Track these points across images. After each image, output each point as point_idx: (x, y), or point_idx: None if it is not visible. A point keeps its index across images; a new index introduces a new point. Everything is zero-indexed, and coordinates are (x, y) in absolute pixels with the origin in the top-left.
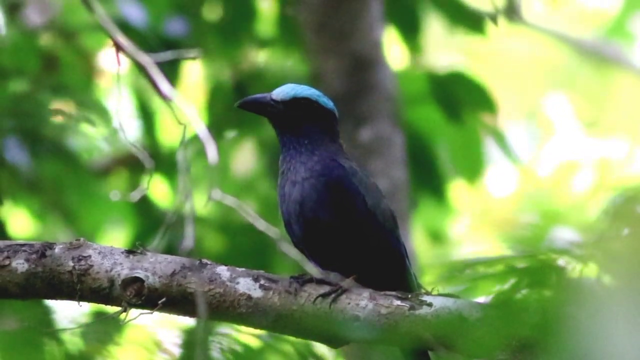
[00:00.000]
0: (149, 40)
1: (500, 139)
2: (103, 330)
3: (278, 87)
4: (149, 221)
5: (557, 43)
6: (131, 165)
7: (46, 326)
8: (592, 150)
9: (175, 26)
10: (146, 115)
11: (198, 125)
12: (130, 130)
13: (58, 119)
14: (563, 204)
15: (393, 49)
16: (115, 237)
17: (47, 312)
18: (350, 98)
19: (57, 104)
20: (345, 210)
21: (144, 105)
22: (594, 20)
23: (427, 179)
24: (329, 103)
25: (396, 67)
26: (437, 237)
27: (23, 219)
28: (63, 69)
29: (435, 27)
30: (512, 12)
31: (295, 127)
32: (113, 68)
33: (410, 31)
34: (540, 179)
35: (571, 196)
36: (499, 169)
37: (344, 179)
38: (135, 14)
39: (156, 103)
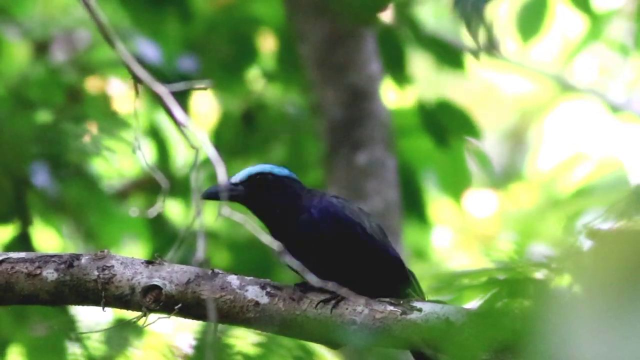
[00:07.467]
0: (163, 74)
1: (483, 160)
2: (124, 335)
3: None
4: (162, 238)
5: (535, 76)
6: (147, 189)
7: (71, 331)
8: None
9: (186, 63)
10: (160, 144)
11: (209, 148)
12: (147, 156)
13: (86, 139)
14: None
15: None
16: (131, 253)
17: (72, 319)
18: (348, 126)
19: (85, 127)
20: (348, 241)
21: (158, 135)
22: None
23: (413, 204)
24: (282, 171)
25: (389, 99)
26: (420, 255)
27: (50, 237)
28: (85, 101)
29: (421, 62)
30: (491, 47)
31: (262, 201)
32: (131, 98)
33: (398, 66)
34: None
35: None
36: (481, 190)
37: (340, 213)
38: (151, 52)
39: (169, 132)
